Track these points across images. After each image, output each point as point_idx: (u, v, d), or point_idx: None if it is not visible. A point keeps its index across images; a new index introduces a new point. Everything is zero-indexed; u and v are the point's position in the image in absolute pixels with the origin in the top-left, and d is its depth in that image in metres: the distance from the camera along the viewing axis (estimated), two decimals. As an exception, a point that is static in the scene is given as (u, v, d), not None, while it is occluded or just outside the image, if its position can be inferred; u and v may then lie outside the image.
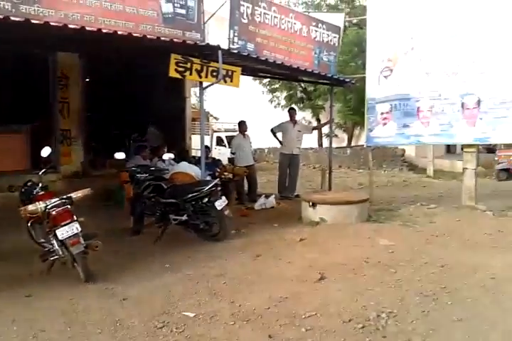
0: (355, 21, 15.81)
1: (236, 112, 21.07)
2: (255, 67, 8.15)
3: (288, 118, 9.77)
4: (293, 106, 18.86)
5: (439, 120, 8.09)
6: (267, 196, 8.53)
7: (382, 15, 8.84)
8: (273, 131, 9.66)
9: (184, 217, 5.85)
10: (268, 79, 18.10)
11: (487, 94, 7.57)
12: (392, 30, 8.69)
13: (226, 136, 17.25)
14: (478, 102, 7.65)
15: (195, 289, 4.26)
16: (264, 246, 5.71)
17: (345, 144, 19.78)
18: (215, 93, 21.70)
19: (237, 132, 9.98)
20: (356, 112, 15.67)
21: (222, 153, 15.65)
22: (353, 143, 19.62)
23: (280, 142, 9.70)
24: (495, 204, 8.38)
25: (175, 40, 5.85)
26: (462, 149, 9.13)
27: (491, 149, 16.63)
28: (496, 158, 15.05)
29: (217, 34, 8.45)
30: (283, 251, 5.48)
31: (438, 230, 6.36)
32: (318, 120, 19.44)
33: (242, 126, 9.55)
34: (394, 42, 8.68)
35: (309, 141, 17.07)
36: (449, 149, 18.81)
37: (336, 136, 19.90)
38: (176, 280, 4.52)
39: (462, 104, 7.82)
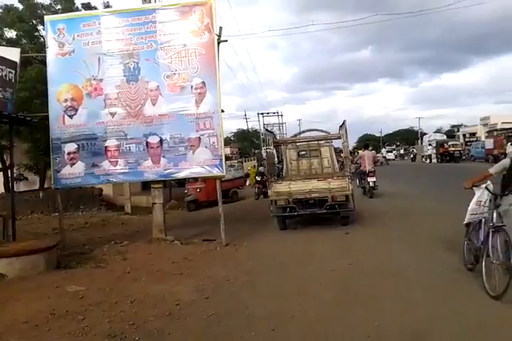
0: (40, 58, 15.05)
1: None
2: None
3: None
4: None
5: (127, 159, 8.40)
6: None
7: (61, 53, 8.67)
8: None
9: None
10: None
11: (168, 134, 8.32)
12: (73, 69, 8.63)
13: None
14: (161, 141, 8.33)
15: None
16: None
17: (37, 187, 18.16)
18: None
19: None
20: (47, 152, 14.65)
21: None
22: (46, 186, 18.20)
23: None
24: (184, 233, 9.20)
25: None
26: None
27: (182, 183, 18.36)
28: (186, 191, 16.70)
29: None
30: None
31: (130, 266, 6.47)
32: (3, 161, 17.29)
33: None
34: (77, 82, 8.63)
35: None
36: (145, 186, 19.75)
37: (27, 178, 18.12)
38: None
39: (147, 144, 8.36)
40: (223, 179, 13.58)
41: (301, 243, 7.83)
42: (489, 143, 32.64)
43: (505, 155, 27.78)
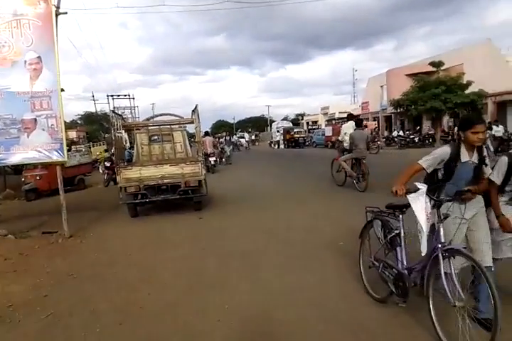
0: None
1: None
2: None
3: None
4: None
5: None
6: None
7: None
8: None
9: None
10: None
11: (-3, 115, 7.27)
12: None
13: None
14: (-12, 123, 7.23)
15: None
16: None
17: None
18: None
19: None
20: None
21: None
22: None
23: None
24: (20, 226, 8.24)
25: None
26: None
27: (19, 170, 16.42)
28: (23, 179, 14.98)
29: None
30: None
31: None
32: None
33: None
34: None
35: None
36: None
37: None
38: None
39: (-30, 125, 7.19)
40: (68, 165, 12.56)
41: (153, 230, 7.61)
42: (328, 131, 35.98)
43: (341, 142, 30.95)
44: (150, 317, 3.83)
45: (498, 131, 19.07)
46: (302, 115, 75.04)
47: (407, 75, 34.38)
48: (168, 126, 10.86)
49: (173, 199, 9.02)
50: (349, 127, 11.02)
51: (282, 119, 68.14)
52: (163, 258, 5.69)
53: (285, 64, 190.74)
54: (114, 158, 12.29)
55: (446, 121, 32.20)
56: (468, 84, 26.06)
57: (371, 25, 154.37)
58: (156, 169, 8.79)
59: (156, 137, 10.88)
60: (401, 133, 31.88)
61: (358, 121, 11.05)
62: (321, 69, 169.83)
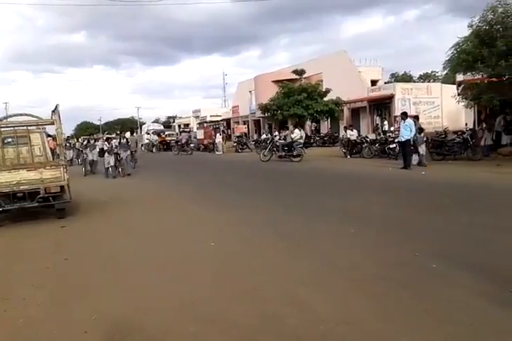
0: None
1: None
2: None
3: None
4: None
5: None
6: None
7: None
8: None
9: None
10: None
11: None
12: None
13: None
14: None
15: None
16: None
17: None
18: None
19: None
20: None
21: None
22: None
23: None
24: None
25: None
26: None
27: None
28: None
29: None
30: None
31: None
32: None
33: None
34: None
35: None
36: None
37: None
38: None
39: None
40: None
41: (8, 241, 6.93)
42: (200, 134, 36.24)
43: (213, 144, 31.33)
44: (6, 336, 3.49)
45: (352, 134, 21.11)
46: (174, 117, 74.45)
47: (273, 81, 36.28)
48: (25, 128, 9.93)
49: (31, 208, 8.29)
50: (129, 134, 21.25)
51: (153, 122, 66.81)
52: (20, 272, 5.21)
53: (154, 66, 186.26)
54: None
55: (309, 125, 34.74)
56: (327, 91, 28.46)
57: (238, 33, 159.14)
58: (10, 175, 7.99)
59: (9, 140, 9.85)
60: (269, 136, 33.43)
61: (131, 132, 22.91)
62: (190, 72, 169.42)
